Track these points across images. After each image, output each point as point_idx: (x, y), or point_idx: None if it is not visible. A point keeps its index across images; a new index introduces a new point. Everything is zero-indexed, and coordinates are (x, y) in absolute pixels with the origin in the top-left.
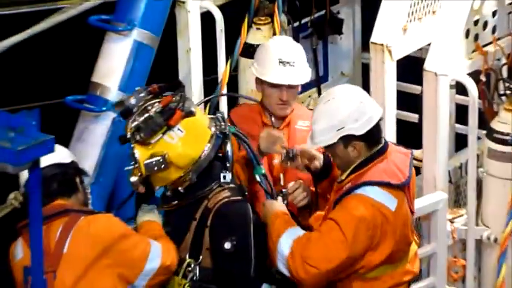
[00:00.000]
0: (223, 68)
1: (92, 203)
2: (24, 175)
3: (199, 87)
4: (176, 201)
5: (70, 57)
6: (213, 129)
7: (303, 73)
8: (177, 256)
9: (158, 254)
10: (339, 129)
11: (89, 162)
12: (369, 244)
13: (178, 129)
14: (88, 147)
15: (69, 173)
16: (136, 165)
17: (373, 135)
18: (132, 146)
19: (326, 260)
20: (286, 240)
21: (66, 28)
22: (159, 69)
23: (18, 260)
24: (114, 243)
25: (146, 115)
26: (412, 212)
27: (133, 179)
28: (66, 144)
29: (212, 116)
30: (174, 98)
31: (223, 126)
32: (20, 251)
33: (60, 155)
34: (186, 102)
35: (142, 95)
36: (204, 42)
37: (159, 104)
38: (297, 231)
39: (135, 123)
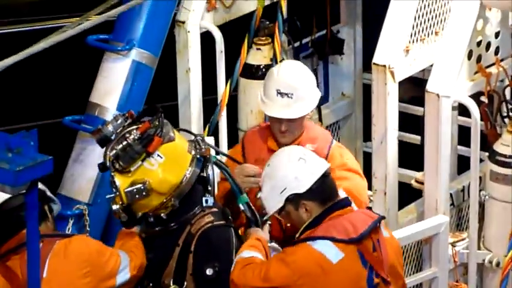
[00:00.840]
0: (222, 89)
1: (89, 224)
2: None
3: (199, 108)
4: (159, 227)
5: (68, 77)
6: (193, 152)
7: (302, 105)
8: (144, 261)
9: (127, 265)
10: (281, 192)
11: (86, 184)
12: None
13: (158, 155)
14: (86, 168)
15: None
16: (117, 194)
17: (322, 191)
18: (111, 174)
19: (242, 276)
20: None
21: (64, 48)
22: (158, 89)
23: None
24: (92, 261)
25: (124, 143)
26: (385, 280)
27: (115, 207)
28: (63, 164)
29: (191, 139)
30: (152, 124)
31: (203, 150)
32: None
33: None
34: (165, 127)
35: (119, 121)
36: (204, 62)
37: (137, 131)
38: (251, 254)
39: (114, 151)
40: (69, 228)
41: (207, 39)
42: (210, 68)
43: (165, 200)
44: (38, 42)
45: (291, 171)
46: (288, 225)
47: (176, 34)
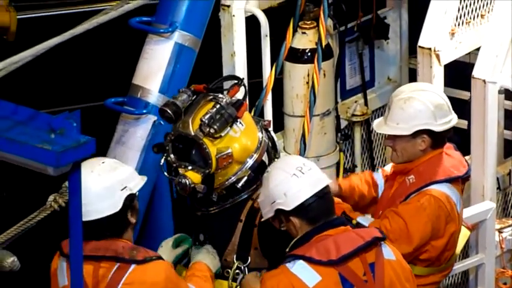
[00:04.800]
0: (268, 73)
1: None
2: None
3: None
4: (220, 204)
5: (111, 59)
6: (256, 124)
7: (392, 126)
8: None
9: None
10: (272, 203)
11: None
12: None
13: (240, 122)
14: (128, 151)
15: (119, 216)
16: (190, 168)
17: (312, 210)
18: (199, 141)
19: None
20: None
21: (107, 30)
22: (203, 71)
23: (61, 286)
24: None
25: (218, 106)
26: None
27: (191, 181)
28: (106, 146)
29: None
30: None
31: (266, 123)
32: (64, 276)
33: (111, 204)
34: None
35: (189, 93)
36: (249, 45)
37: (227, 94)
38: None
39: (208, 115)
40: None
41: (252, 23)
42: (255, 51)
43: (239, 171)
44: (81, 23)
45: (281, 185)
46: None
47: (221, 18)
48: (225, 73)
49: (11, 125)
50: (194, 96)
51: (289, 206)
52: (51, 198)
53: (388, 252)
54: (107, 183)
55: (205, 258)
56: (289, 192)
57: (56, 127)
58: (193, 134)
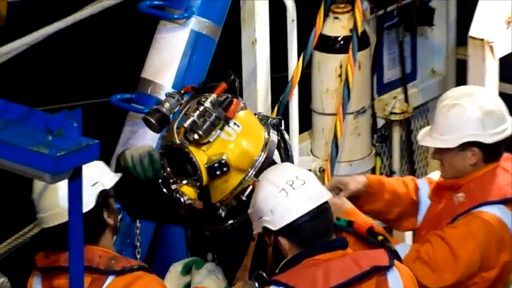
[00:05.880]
0: (294, 64)
1: None
2: None
3: (266, 85)
4: (231, 221)
5: (118, 49)
6: (264, 123)
7: (436, 137)
8: None
9: None
10: (259, 218)
11: None
12: None
13: (235, 123)
14: None
15: (93, 216)
16: (185, 182)
17: (303, 232)
18: (185, 150)
19: None
20: None
21: (113, 15)
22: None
23: None
24: None
25: (201, 108)
26: None
27: (187, 197)
28: (111, 150)
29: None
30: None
31: (276, 121)
32: None
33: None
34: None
35: (176, 98)
36: (273, 33)
37: (212, 93)
38: None
39: (190, 119)
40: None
41: (276, 6)
42: (280, 40)
43: (244, 179)
44: (84, 8)
45: (268, 200)
46: None
47: (241, 1)
48: (245, 64)
49: (2, 125)
50: (184, 99)
51: (275, 226)
52: None
53: (396, 279)
54: None
55: (206, 280)
56: (276, 210)
57: (54, 127)
58: (178, 142)
